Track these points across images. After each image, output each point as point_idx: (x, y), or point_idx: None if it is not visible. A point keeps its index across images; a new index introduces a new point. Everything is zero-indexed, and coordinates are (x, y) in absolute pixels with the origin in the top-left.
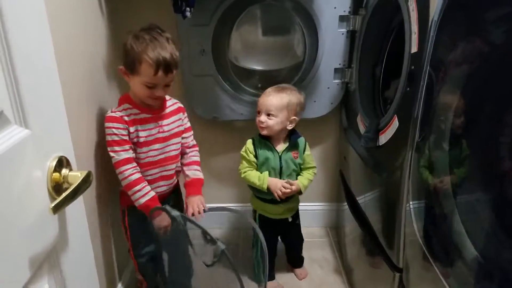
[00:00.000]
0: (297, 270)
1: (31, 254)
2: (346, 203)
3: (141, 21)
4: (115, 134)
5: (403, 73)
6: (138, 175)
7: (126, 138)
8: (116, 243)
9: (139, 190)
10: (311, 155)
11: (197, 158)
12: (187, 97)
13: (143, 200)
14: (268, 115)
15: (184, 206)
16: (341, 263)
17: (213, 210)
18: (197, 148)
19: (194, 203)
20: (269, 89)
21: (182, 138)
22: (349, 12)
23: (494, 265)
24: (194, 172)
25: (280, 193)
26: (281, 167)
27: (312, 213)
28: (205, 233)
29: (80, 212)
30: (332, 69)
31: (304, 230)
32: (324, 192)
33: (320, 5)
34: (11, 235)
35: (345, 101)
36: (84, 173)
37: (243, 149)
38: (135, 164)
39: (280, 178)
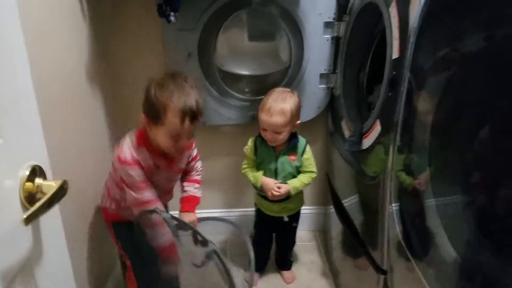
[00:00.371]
0: (285, 273)
1: (2, 267)
2: (332, 206)
3: (125, 25)
4: (133, 176)
5: (385, 79)
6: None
7: (144, 178)
8: (97, 254)
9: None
10: (310, 159)
11: (200, 178)
12: None
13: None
14: (275, 132)
15: None
16: (328, 266)
17: (211, 219)
18: (202, 169)
19: (189, 221)
20: (268, 104)
21: (189, 164)
22: (334, 18)
23: (472, 266)
24: (193, 190)
25: (270, 194)
26: (276, 169)
27: (300, 217)
28: (196, 234)
29: (56, 223)
30: (318, 74)
31: None
32: (311, 196)
33: (306, 11)
34: None
35: (331, 106)
36: (59, 182)
37: (246, 145)
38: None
39: (276, 179)
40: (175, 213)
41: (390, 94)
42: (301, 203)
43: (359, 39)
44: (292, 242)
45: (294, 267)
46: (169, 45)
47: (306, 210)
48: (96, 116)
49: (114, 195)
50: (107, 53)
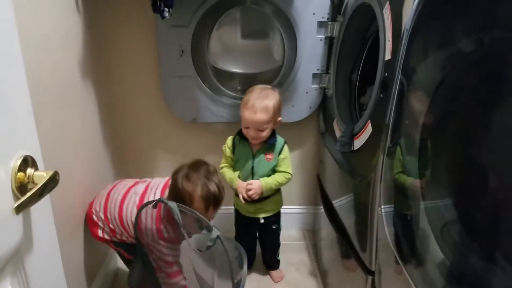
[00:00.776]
0: (273, 273)
1: None
2: (322, 207)
3: (120, 20)
4: (167, 254)
5: (377, 80)
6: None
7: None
8: (89, 244)
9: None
10: (287, 159)
11: None
12: (165, 99)
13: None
14: (259, 129)
15: None
16: (317, 266)
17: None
18: None
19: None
20: (251, 101)
21: None
22: (328, 18)
23: (460, 269)
24: None
25: (241, 197)
26: (252, 167)
27: (289, 216)
28: (201, 221)
29: (46, 214)
30: (311, 74)
31: (281, 233)
32: (301, 196)
33: (300, 11)
34: None
35: (323, 106)
36: (50, 173)
37: (224, 144)
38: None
39: (253, 178)
40: None
41: (381, 95)
42: (279, 205)
43: (353, 40)
44: (276, 244)
45: (283, 266)
46: (162, 41)
47: (295, 210)
48: (88, 109)
49: (114, 228)
50: (100, 47)
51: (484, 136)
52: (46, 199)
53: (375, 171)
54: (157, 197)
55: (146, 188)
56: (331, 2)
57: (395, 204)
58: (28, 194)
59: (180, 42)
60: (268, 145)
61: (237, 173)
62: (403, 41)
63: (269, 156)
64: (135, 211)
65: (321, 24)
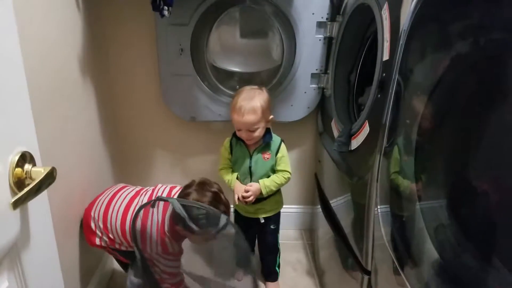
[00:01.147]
0: (269, 285)
1: None
2: (319, 206)
3: (119, 18)
4: (171, 266)
5: (375, 80)
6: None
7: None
8: (85, 246)
9: None
10: (284, 157)
11: None
12: (164, 97)
13: None
14: (250, 130)
15: None
16: (313, 265)
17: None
18: None
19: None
20: (238, 103)
21: None
22: (327, 18)
23: (455, 268)
24: None
25: (236, 198)
26: (250, 167)
27: (287, 215)
28: (207, 209)
29: (44, 209)
30: (309, 74)
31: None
32: (299, 195)
33: (299, 10)
34: None
35: (321, 106)
36: (48, 169)
37: (222, 146)
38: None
39: (251, 178)
40: None
41: (379, 95)
42: (279, 205)
43: (351, 40)
44: (274, 248)
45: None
46: (161, 40)
47: (293, 209)
48: (87, 107)
49: (114, 237)
50: (100, 45)
51: (481, 137)
52: (43, 195)
53: (372, 171)
54: (160, 209)
55: (149, 200)
56: (331, 2)
57: (391, 205)
58: (26, 190)
59: (179, 41)
60: (264, 144)
61: (235, 174)
62: (401, 42)
63: (266, 156)
64: (139, 223)
65: (320, 24)
